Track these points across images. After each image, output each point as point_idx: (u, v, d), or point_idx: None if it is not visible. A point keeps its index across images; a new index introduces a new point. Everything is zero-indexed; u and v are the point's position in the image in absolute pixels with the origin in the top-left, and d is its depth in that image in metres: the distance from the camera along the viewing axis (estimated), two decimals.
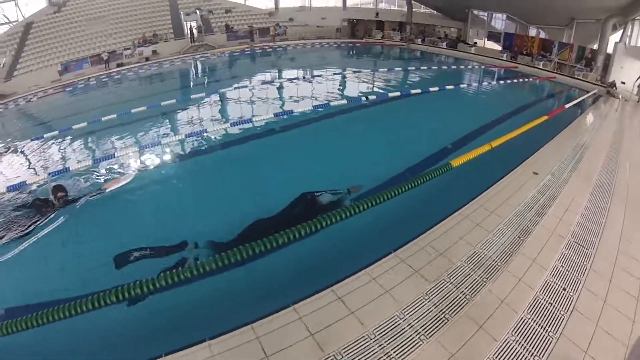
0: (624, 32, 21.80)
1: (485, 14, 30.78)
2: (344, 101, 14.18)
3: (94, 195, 7.60)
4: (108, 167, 9.30)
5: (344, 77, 21.28)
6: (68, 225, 6.95)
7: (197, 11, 32.80)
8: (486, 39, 30.67)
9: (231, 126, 11.89)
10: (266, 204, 6.90)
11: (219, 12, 35.89)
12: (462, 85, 17.69)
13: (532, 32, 28.89)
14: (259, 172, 9.21)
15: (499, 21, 31.17)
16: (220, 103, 16.00)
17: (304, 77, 20.69)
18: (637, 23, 22.05)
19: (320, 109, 12.67)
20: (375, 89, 18.52)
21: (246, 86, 18.97)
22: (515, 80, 20.52)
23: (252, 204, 7.27)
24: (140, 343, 4.38)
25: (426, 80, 21.00)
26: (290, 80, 20.24)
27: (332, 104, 12.99)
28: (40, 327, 3.65)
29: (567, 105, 12.73)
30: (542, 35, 28.42)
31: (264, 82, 20.05)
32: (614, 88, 18.69)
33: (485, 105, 16.16)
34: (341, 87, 19.03)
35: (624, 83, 19.60)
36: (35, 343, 4.34)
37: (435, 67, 24.58)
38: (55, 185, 7.44)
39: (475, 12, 31.16)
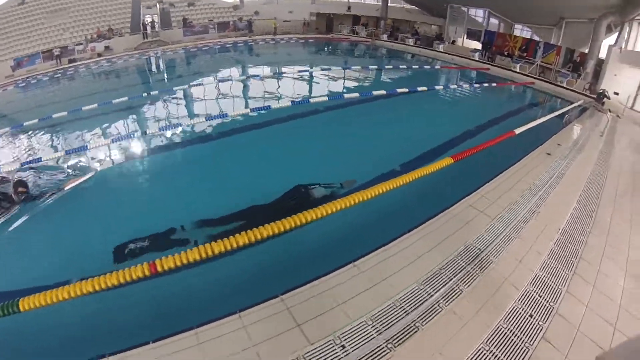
0: (619, 34, 17.80)
1: (465, 9, 26.13)
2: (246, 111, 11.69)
3: (54, 193, 7.17)
4: (66, 164, 8.72)
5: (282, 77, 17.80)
6: (27, 221, 6.53)
7: (158, 4, 29.03)
8: (465, 37, 26.09)
9: (202, 120, 10.99)
10: (258, 194, 6.50)
11: (182, 5, 31.50)
12: (419, 89, 13.19)
13: (518, 32, 24.63)
14: (249, 164, 8.60)
15: (483, 19, 26.68)
16: (186, 98, 14.73)
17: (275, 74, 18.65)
18: (635, 24, 17.65)
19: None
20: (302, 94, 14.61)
21: (216, 81, 17.12)
22: (484, 85, 15.99)
23: (235, 195, 6.88)
24: (171, 316, 4.25)
25: (375, 82, 17.11)
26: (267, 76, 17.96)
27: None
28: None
29: (517, 130, 8.19)
30: (529, 35, 24.49)
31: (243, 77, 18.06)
32: (603, 99, 14.13)
33: (425, 119, 11.92)
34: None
35: (617, 94, 15.23)
36: None
37: (394, 67, 20.40)
38: (17, 180, 7.07)
39: (456, 7, 26.45)
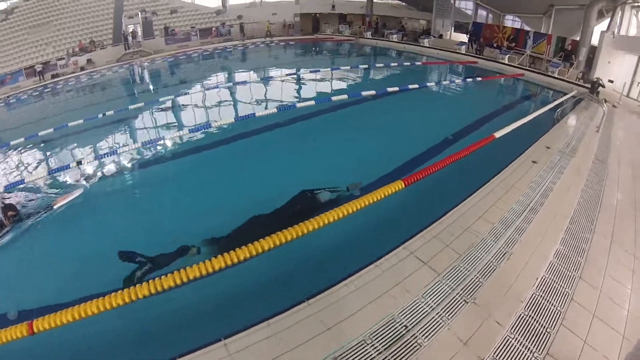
0: (612, 19, 16.51)
1: (452, 1, 24.82)
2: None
3: (43, 213, 6.82)
4: (55, 182, 8.30)
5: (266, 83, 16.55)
6: (20, 244, 6.15)
7: (140, 13, 27.91)
8: (452, 30, 24.83)
9: (189, 132, 10.41)
10: (261, 202, 5.93)
11: (164, 13, 30.34)
12: (389, 89, 11.86)
13: (510, 22, 23.51)
14: (250, 169, 8.13)
15: (471, 11, 25.38)
16: (176, 108, 13.80)
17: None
18: (627, 8, 16.38)
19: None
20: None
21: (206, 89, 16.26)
22: (468, 80, 14.61)
23: (236, 205, 6.30)
24: (147, 344, 3.87)
25: (348, 84, 15.71)
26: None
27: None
28: None
29: (497, 134, 6.87)
30: (519, 25, 23.35)
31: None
32: (598, 88, 12.87)
33: (394, 125, 10.61)
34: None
35: (611, 81, 13.95)
36: None
37: (370, 66, 19.18)
38: (5, 205, 6.78)
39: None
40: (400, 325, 3.32)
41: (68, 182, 8.25)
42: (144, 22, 27.93)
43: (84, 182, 8.21)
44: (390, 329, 3.29)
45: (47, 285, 5.06)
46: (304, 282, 4.28)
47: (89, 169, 8.81)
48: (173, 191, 7.62)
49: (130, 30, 27.36)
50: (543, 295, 3.63)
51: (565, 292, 3.66)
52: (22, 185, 7.95)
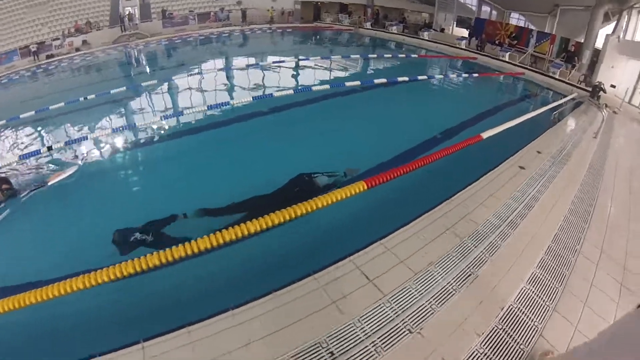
0: (617, 23, 15.80)
1: None
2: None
3: (37, 188, 6.77)
4: (50, 158, 8.10)
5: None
6: (12, 218, 6.08)
7: None
8: (454, 24, 24.09)
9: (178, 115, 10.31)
10: (257, 184, 5.85)
11: None
12: (376, 81, 11.27)
13: (515, 21, 22.84)
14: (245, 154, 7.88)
15: (474, 6, 24.59)
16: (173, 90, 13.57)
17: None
18: (634, 12, 15.70)
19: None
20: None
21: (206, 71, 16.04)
22: (464, 75, 13.93)
23: (232, 186, 6.19)
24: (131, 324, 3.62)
25: (341, 74, 15.13)
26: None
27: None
28: None
29: (485, 135, 6.21)
30: (524, 23, 22.61)
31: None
32: (599, 93, 12.21)
33: (378, 120, 9.94)
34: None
35: (614, 87, 13.30)
36: None
37: (362, 57, 18.23)
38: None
39: None
40: (326, 351, 2.77)
41: (62, 160, 8.15)
42: (142, 4, 27.39)
43: (78, 161, 8.11)
44: (313, 354, 2.74)
45: (33, 261, 4.93)
46: (240, 288, 3.79)
47: (83, 148, 8.71)
48: (166, 173, 7.48)
49: (128, 12, 26.68)
50: (506, 330, 2.99)
51: (534, 327, 3.02)
52: (17, 161, 7.88)
